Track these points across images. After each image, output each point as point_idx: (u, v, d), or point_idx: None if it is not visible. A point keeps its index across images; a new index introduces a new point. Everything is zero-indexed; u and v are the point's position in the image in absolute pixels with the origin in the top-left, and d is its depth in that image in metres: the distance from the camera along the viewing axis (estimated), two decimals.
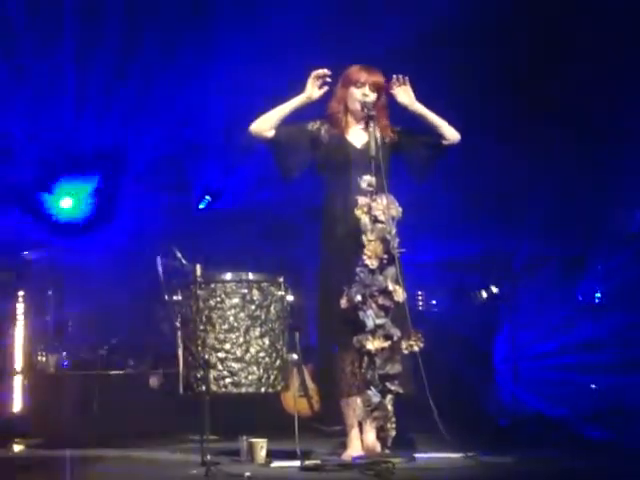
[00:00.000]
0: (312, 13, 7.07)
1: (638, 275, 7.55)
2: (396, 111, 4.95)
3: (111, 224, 7.72)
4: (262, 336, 4.86)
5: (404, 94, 4.86)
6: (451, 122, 4.92)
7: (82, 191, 7.88)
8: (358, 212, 4.63)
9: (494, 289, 7.55)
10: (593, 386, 7.26)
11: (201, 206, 8.25)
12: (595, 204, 7.51)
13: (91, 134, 7.63)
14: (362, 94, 4.81)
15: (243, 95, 7.10)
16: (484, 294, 7.67)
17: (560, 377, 7.34)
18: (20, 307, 6.45)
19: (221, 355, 4.79)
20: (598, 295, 7.83)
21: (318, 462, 4.60)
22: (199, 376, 4.79)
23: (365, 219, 4.63)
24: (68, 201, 7.88)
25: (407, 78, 4.86)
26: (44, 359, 6.64)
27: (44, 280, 6.98)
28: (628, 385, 6.95)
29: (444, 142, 4.90)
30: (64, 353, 6.81)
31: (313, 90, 4.82)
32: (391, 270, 4.60)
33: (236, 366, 4.79)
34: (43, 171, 7.63)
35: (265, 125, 4.82)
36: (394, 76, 4.86)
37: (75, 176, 7.80)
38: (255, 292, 4.89)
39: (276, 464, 4.68)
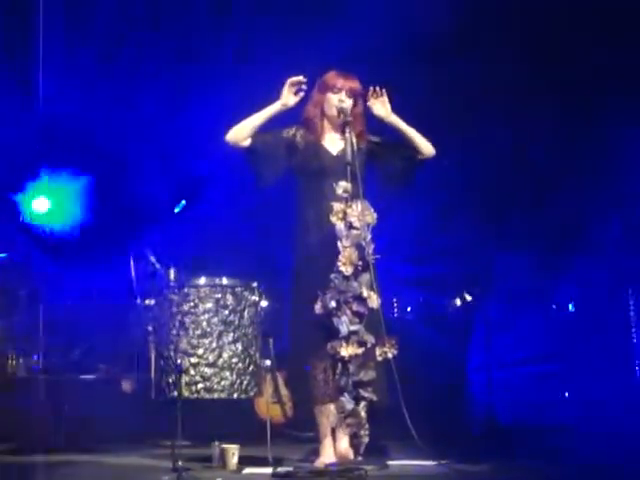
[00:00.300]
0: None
1: (612, 284, 7.61)
2: (373, 121, 4.95)
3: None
4: (235, 341, 4.84)
5: (380, 106, 4.86)
6: (426, 135, 4.93)
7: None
8: (333, 218, 4.61)
9: (467, 297, 7.56)
10: (566, 394, 7.30)
11: (176, 210, 8.19)
12: (572, 211, 7.56)
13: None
14: (338, 100, 4.81)
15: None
16: (458, 301, 7.68)
17: (534, 386, 7.37)
18: None
19: (194, 360, 4.78)
20: (571, 305, 7.88)
21: (290, 469, 4.58)
22: (171, 381, 4.76)
23: (340, 225, 4.61)
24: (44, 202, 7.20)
25: (384, 90, 4.86)
26: (14, 362, 6.57)
27: (16, 281, 6.90)
28: (600, 394, 6.99)
29: (419, 156, 4.92)
30: (35, 356, 6.74)
31: (289, 97, 4.81)
32: (366, 276, 4.58)
33: (209, 371, 4.77)
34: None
35: (241, 134, 4.80)
36: (371, 88, 4.86)
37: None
38: (229, 297, 4.87)
39: (248, 471, 4.67)
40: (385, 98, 4.86)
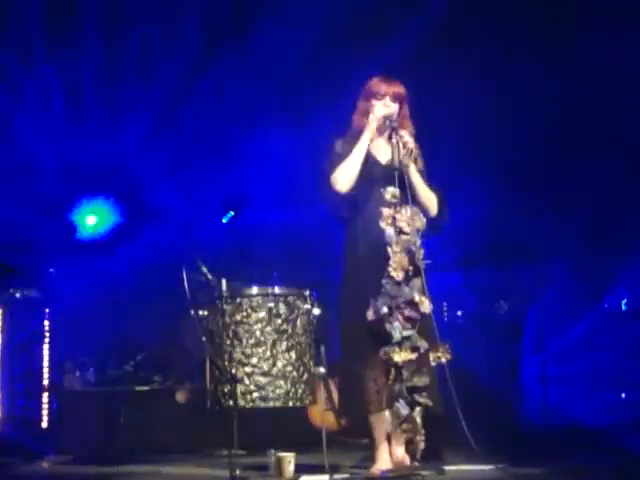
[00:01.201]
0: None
1: None
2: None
3: (134, 239, 7.73)
4: (289, 350, 4.86)
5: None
6: None
7: (104, 209, 7.91)
8: (382, 224, 4.62)
9: (504, 306, 7.53)
10: (623, 395, 7.20)
11: (224, 220, 8.25)
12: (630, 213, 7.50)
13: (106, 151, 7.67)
14: (384, 105, 4.81)
15: None
16: (505, 305, 7.63)
17: (590, 386, 7.28)
18: (47, 324, 6.46)
19: (248, 369, 4.80)
20: (625, 302, 7.78)
21: (347, 476, 4.58)
22: (226, 391, 4.78)
23: (390, 231, 4.61)
24: (92, 219, 7.91)
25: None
26: (70, 375, 6.65)
27: (71, 297, 7.00)
28: None
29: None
30: (91, 369, 6.82)
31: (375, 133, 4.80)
32: (417, 281, 4.57)
33: (263, 380, 4.79)
34: (68, 188, 7.64)
35: (351, 181, 4.77)
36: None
37: (96, 195, 7.82)
38: (281, 306, 4.89)
39: (304, 478, 4.67)
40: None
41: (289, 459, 4.76)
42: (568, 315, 7.73)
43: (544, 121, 7.53)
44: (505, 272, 7.57)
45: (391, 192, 4.65)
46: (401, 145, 4.70)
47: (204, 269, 4.91)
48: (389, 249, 4.57)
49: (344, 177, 4.76)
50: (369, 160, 4.84)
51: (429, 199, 4.80)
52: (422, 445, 4.53)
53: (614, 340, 7.45)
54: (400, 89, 4.87)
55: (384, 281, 4.54)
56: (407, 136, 4.73)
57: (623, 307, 7.81)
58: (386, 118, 4.78)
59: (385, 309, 4.53)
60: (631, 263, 7.67)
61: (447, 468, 4.75)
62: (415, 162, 4.83)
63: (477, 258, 7.52)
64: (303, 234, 7.48)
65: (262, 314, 4.86)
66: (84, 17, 7.38)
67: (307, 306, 4.97)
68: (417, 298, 4.55)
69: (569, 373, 7.47)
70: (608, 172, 7.46)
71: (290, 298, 4.93)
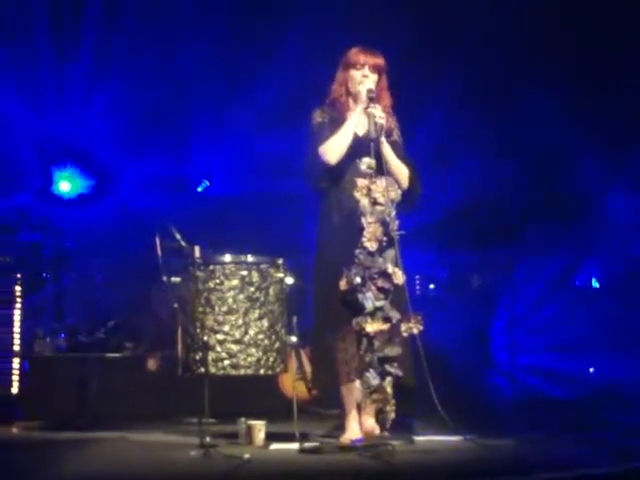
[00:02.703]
0: None
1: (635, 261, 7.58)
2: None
3: (108, 201, 7.79)
4: (261, 318, 4.85)
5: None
6: None
7: (78, 177, 7.96)
8: (357, 194, 4.61)
9: (476, 280, 7.57)
10: (591, 370, 7.29)
11: (199, 189, 8.25)
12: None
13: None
14: (362, 75, 4.79)
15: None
16: (478, 279, 7.68)
17: (558, 360, 7.36)
18: (18, 289, 6.42)
19: (220, 337, 4.79)
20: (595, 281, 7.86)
21: (317, 445, 4.60)
22: (198, 358, 4.78)
23: (364, 201, 4.60)
24: (66, 185, 7.95)
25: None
26: (42, 341, 6.62)
27: (42, 262, 6.97)
28: (625, 368, 6.98)
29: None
30: (62, 335, 6.80)
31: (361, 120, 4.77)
32: (390, 252, 4.58)
33: (235, 348, 4.79)
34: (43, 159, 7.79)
35: (342, 154, 4.75)
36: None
37: (67, 164, 7.90)
38: (254, 274, 4.88)
39: (275, 446, 4.68)
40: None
41: (259, 427, 4.77)
42: (539, 290, 7.80)
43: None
44: (479, 250, 7.62)
45: (367, 163, 4.63)
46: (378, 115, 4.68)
47: (177, 236, 4.88)
48: (363, 219, 4.56)
49: (334, 150, 4.74)
50: None
51: (400, 172, 4.78)
52: (392, 415, 4.54)
53: (584, 316, 7.53)
54: (379, 60, 4.84)
55: (358, 251, 4.54)
56: (378, 112, 4.69)
57: (594, 285, 7.88)
58: (370, 91, 4.74)
59: (358, 279, 4.53)
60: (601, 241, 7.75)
61: (416, 438, 4.78)
62: (390, 134, 4.82)
63: (453, 237, 7.56)
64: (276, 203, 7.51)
65: (235, 282, 4.84)
66: None
67: (280, 275, 4.97)
68: (390, 269, 4.55)
69: (539, 345, 7.55)
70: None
71: (263, 266, 4.92)
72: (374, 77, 4.81)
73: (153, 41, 7.69)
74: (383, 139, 4.71)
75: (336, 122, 4.82)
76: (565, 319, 7.57)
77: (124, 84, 7.70)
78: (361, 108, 4.75)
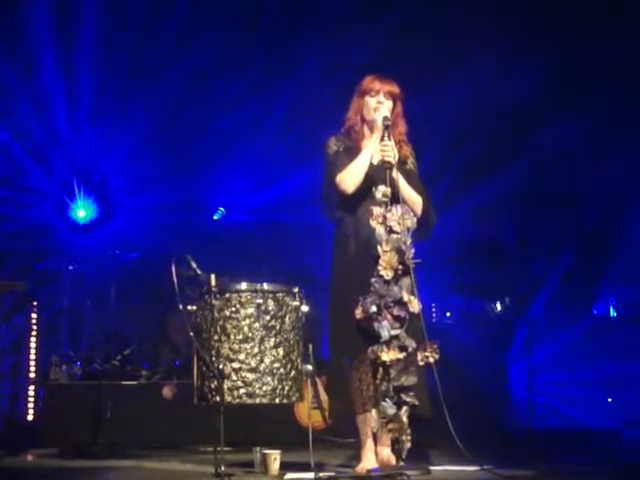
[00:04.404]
0: None
1: None
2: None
3: (123, 228, 7.88)
4: (276, 346, 4.83)
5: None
6: None
7: (94, 205, 8.05)
8: (373, 222, 4.60)
9: (499, 306, 7.54)
10: (610, 399, 7.23)
11: (215, 217, 8.28)
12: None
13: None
14: (377, 102, 4.80)
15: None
16: (499, 306, 7.65)
17: (576, 390, 7.31)
18: (34, 317, 6.44)
19: (235, 365, 4.77)
20: (613, 310, 7.82)
21: (332, 474, 4.57)
22: (213, 386, 4.76)
23: (380, 229, 4.59)
24: (82, 212, 8.05)
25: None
26: (57, 369, 6.63)
27: (59, 291, 7.00)
28: None
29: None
30: (77, 363, 6.81)
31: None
32: (406, 281, 4.56)
33: (250, 376, 4.77)
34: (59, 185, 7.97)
35: (359, 183, 4.74)
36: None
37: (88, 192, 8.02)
38: (270, 302, 4.87)
39: (290, 476, 4.65)
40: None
41: (275, 456, 4.75)
42: (557, 319, 7.76)
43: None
44: (498, 272, 7.60)
45: (382, 191, 4.63)
46: (393, 145, 4.68)
47: (193, 264, 4.88)
48: (379, 248, 4.55)
49: (351, 179, 4.73)
50: None
51: (413, 201, 4.76)
52: (408, 445, 4.51)
53: (602, 345, 7.49)
54: (394, 87, 4.85)
55: (373, 280, 4.53)
56: (388, 147, 4.67)
57: (612, 313, 7.84)
58: (385, 119, 4.74)
59: (374, 308, 4.52)
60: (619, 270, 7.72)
61: (433, 468, 4.74)
62: (405, 162, 4.82)
63: (469, 257, 7.55)
64: (292, 232, 7.54)
65: (251, 310, 4.83)
66: None
67: (296, 303, 4.95)
68: (406, 297, 4.53)
69: (557, 375, 7.50)
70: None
71: (279, 295, 4.91)
72: (389, 104, 4.82)
73: (170, 74, 7.77)
74: (394, 169, 4.68)
75: (351, 150, 4.83)
76: (583, 348, 7.52)
77: (143, 115, 7.79)
78: (377, 137, 4.75)
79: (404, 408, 4.48)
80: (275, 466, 4.74)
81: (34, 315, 6.43)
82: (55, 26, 7.63)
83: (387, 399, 4.49)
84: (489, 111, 7.58)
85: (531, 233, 7.92)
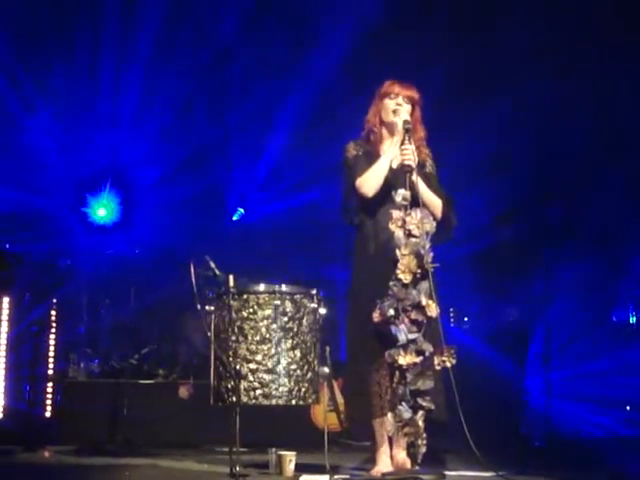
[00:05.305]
0: None
1: None
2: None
3: (143, 228, 7.92)
4: (294, 348, 4.84)
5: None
6: None
7: (112, 202, 8.08)
8: (392, 226, 4.59)
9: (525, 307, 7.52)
10: (628, 408, 7.19)
11: (234, 218, 8.30)
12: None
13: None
14: (396, 104, 4.80)
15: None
16: (516, 312, 7.62)
17: (594, 398, 7.27)
18: (53, 314, 6.48)
19: (252, 366, 4.78)
20: (633, 317, 7.77)
21: (347, 477, 4.57)
22: (230, 387, 4.77)
23: (399, 233, 4.59)
24: (102, 211, 8.09)
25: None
26: (75, 366, 6.67)
27: (78, 288, 7.03)
28: None
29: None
30: (96, 361, 6.84)
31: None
32: (424, 285, 4.55)
33: (267, 377, 4.78)
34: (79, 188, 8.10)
35: (379, 187, 4.74)
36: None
37: (104, 190, 8.10)
38: (288, 304, 4.88)
39: (305, 478, 4.65)
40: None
41: (290, 458, 4.76)
42: (575, 327, 7.71)
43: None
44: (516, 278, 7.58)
45: (402, 195, 4.62)
46: (413, 148, 4.68)
47: (212, 264, 4.90)
48: (398, 251, 4.55)
49: (371, 183, 4.73)
50: None
51: (432, 204, 4.75)
52: (423, 449, 4.50)
53: (620, 353, 7.44)
54: (413, 92, 4.85)
55: (392, 283, 4.51)
56: (408, 150, 4.67)
57: (631, 320, 7.80)
58: (406, 122, 4.74)
59: (391, 311, 4.50)
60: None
61: (448, 473, 4.73)
62: (423, 166, 4.82)
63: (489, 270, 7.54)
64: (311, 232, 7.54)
65: (268, 311, 4.84)
66: None
67: (314, 305, 4.96)
68: (424, 301, 4.52)
69: (574, 382, 7.46)
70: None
71: (297, 296, 4.92)
72: (408, 107, 4.82)
73: (196, 76, 7.82)
74: (414, 173, 4.68)
75: (370, 154, 4.83)
76: (602, 356, 7.48)
77: (168, 115, 7.83)
78: (397, 140, 4.75)
79: (420, 412, 4.47)
80: (290, 467, 4.75)
81: (53, 312, 6.45)
82: (76, 23, 7.66)
83: (403, 403, 4.48)
84: None
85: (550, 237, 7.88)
